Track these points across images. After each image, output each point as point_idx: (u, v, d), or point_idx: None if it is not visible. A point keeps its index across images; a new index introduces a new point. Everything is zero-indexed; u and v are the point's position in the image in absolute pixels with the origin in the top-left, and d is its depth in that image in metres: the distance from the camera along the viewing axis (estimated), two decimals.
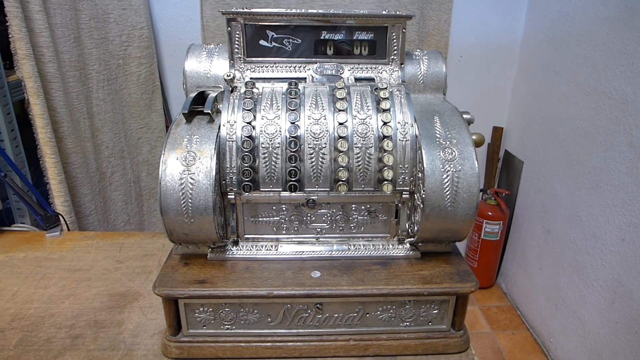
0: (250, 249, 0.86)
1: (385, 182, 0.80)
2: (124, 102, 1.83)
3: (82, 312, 0.96)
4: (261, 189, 0.82)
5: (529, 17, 2.17)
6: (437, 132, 0.80)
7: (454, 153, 0.77)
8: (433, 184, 0.76)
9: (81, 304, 0.99)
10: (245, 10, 0.86)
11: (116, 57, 1.74)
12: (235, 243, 0.87)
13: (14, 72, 1.26)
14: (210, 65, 0.91)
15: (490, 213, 2.31)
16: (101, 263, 1.14)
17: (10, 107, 1.24)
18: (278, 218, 0.86)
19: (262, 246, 0.87)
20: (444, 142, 0.79)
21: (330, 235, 0.87)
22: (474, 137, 0.90)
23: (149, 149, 1.99)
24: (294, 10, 0.86)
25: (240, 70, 0.90)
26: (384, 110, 0.81)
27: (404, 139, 0.81)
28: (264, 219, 0.86)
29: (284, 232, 0.87)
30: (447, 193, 0.76)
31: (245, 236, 0.87)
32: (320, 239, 0.87)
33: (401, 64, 0.90)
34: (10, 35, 1.19)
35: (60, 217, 1.30)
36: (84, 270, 1.11)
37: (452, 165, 0.77)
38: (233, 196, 0.81)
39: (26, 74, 1.22)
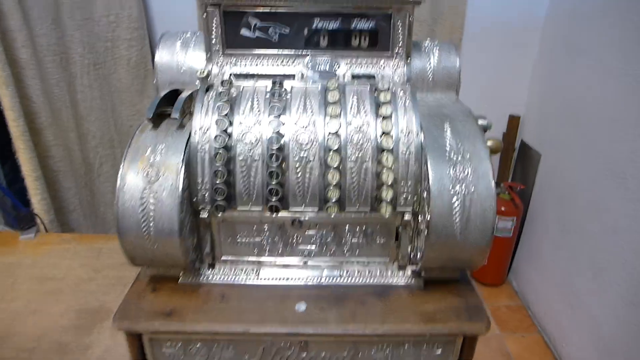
0: (228, 273, 0.75)
1: (383, 203, 0.67)
2: (113, 87, 1.71)
3: (47, 332, 0.87)
4: (238, 208, 0.70)
5: None
6: (447, 143, 0.67)
7: (466, 170, 0.65)
8: (440, 208, 0.64)
9: (47, 321, 0.90)
10: None
11: (103, 39, 1.60)
12: (211, 265, 0.76)
13: None
14: (185, 58, 0.79)
15: (503, 208, 2.17)
16: (76, 272, 1.05)
17: None
18: (260, 239, 0.74)
19: (241, 270, 0.75)
20: (454, 157, 0.66)
21: (320, 259, 0.76)
22: (489, 143, 0.77)
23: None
24: None
25: (219, 64, 0.77)
26: (385, 118, 0.68)
27: (407, 151, 0.68)
28: (244, 239, 0.74)
29: (266, 254, 0.75)
30: (457, 219, 0.64)
31: (223, 258, 0.76)
32: (309, 263, 0.76)
33: (407, 57, 0.77)
34: None
35: (36, 216, 1.20)
36: (56, 280, 1.01)
37: (463, 186, 0.64)
38: (206, 215, 0.70)
39: None
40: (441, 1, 1.93)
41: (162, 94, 0.73)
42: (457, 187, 0.64)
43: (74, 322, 0.89)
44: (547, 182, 2.09)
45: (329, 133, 0.67)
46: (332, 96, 0.69)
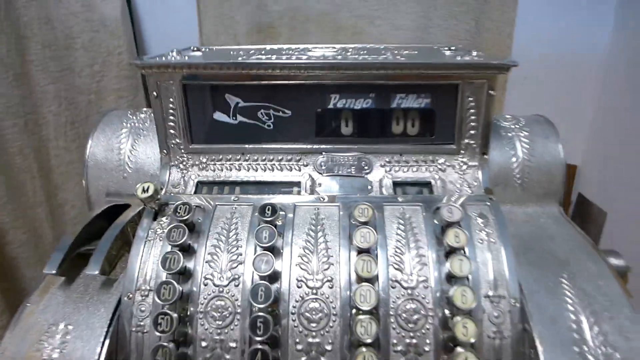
0: None
1: None
2: None
3: None
4: None
5: (615, 30, 1.68)
6: (574, 325, 0.37)
7: None
8: None
9: None
10: (183, 60, 0.45)
11: (86, 91, 1.36)
12: None
13: None
14: (132, 153, 0.51)
15: None
16: None
17: None
18: None
19: None
20: (592, 355, 0.35)
21: None
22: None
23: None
24: (274, 58, 0.44)
25: (181, 166, 0.49)
26: (452, 278, 0.38)
27: (499, 337, 0.38)
28: None
29: None
30: None
31: None
32: None
33: (483, 153, 0.48)
34: None
35: None
36: None
37: None
38: None
39: None
40: (483, 37, 1.65)
41: (79, 232, 0.45)
42: None
43: None
44: (616, 249, 1.73)
45: (356, 310, 0.37)
46: (362, 237, 0.39)
